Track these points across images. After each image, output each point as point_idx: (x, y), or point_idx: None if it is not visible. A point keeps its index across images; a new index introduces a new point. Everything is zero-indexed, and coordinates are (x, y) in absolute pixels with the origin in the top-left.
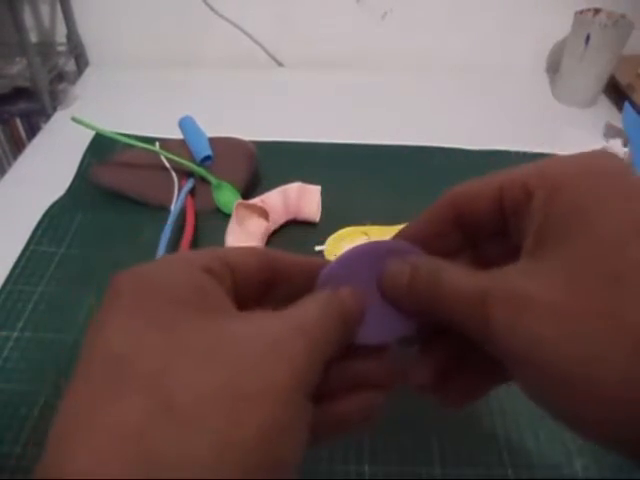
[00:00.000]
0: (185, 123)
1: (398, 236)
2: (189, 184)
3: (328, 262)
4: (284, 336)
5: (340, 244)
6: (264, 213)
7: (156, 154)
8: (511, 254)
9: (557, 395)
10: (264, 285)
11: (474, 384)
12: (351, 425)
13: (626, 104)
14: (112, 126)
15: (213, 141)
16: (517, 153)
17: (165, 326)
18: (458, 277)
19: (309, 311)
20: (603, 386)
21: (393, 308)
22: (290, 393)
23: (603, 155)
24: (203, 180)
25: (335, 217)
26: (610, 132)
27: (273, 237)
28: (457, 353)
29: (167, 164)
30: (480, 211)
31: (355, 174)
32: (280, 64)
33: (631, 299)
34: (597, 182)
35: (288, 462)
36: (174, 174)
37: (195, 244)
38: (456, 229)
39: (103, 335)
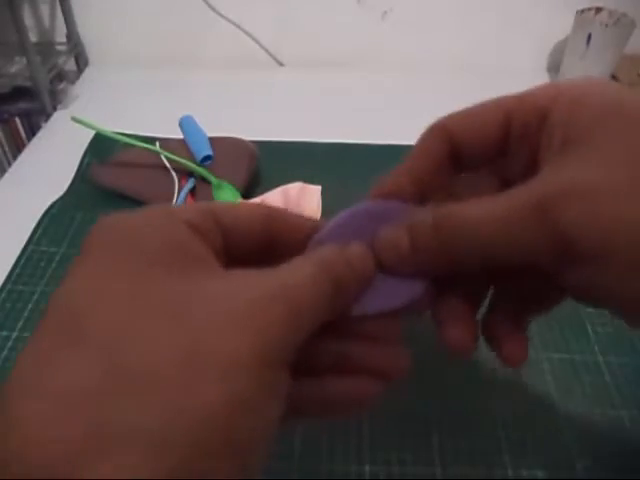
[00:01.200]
0: (185, 123)
1: (390, 183)
2: (189, 184)
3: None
4: (261, 299)
5: None
6: None
7: (156, 154)
8: (507, 182)
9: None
10: (262, 246)
11: (515, 323)
12: (339, 410)
13: None
14: (112, 126)
15: (213, 141)
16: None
17: (131, 282)
18: (484, 206)
19: (297, 272)
20: None
21: (390, 277)
22: (257, 364)
23: (601, 79)
24: (203, 180)
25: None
26: None
27: None
28: (478, 297)
29: (167, 164)
30: (482, 140)
31: (355, 174)
32: (280, 64)
33: None
34: (606, 89)
35: (248, 438)
36: (174, 174)
37: None
38: (451, 162)
39: (64, 287)
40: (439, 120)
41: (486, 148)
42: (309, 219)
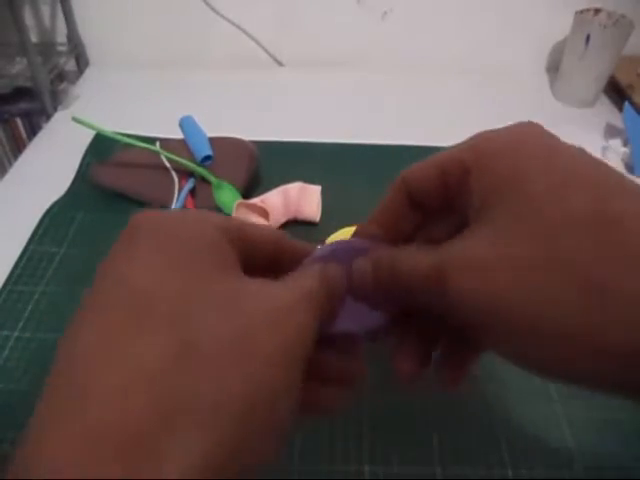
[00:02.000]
0: (185, 123)
1: (363, 228)
2: (189, 184)
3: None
4: (294, 302)
5: None
6: (264, 213)
7: (156, 154)
8: (461, 229)
9: (523, 345)
10: (269, 262)
11: (458, 359)
12: (305, 412)
13: (626, 104)
14: (112, 126)
15: (213, 141)
16: None
17: (186, 270)
18: (413, 257)
19: (309, 282)
20: (564, 325)
21: (361, 304)
22: (297, 358)
23: (526, 124)
24: (203, 180)
25: (335, 217)
26: (610, 132)
27: None
28: (433, 334)
29: (167, 164)
30: (428, 191)
31: (355, 174)
32: (281, 64)
33: (572, 242)
34: (522, 149)
35: (281, 425)
36: (174, 174)
37: None
38: (412, 210)
39: (121, 268)
40: (402, 172)
41: (433, 199)
42: (306, 245)
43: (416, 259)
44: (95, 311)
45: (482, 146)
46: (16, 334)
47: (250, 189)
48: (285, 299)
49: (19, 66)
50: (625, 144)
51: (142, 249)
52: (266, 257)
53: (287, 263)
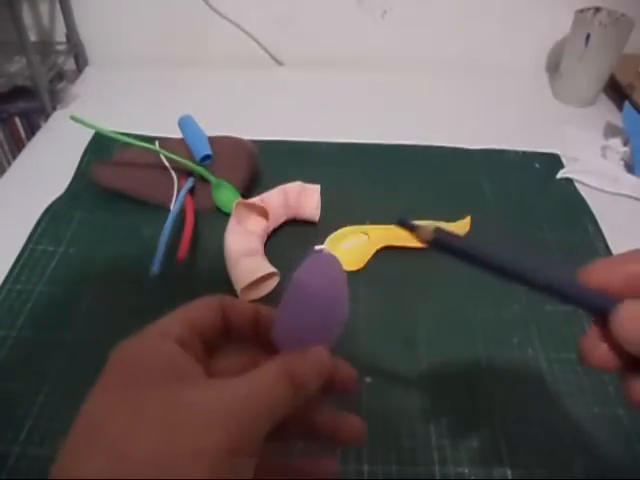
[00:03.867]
0: (185, 122)
1: None
2: (189, 183)
3: (269, 310)
4: (231, 405)
5: (339, 243)
6: (264, 212)
7: (156, 153)
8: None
9: None
10: (224, 331)
11: None
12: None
13: (626, 103)
14: (111, 125)
15: (213, 140)
16: (517, 152)
17: (133, 399)
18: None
19: (262, 379)
20: None
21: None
22: (221, 456)
23: None
24: (203, 179)
25: (335, 216)
26: (610, 131)
27: (273, 236)
28: None
29: (167, 163)
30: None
31: (355, 173)
32: (280, 63)
33: None
34: None
35: None
36: (174, 173)
37: (195, 243)
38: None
39: (88, 406)
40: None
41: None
42: (254, 307)
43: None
44: (68, 438)
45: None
46: (15, 333)
47: (249, 188)
48: (223, 403)
49: (18, 65)
50: (625, 143)
51: (104, 387)
52: (218, 330)
53: (240, 330)
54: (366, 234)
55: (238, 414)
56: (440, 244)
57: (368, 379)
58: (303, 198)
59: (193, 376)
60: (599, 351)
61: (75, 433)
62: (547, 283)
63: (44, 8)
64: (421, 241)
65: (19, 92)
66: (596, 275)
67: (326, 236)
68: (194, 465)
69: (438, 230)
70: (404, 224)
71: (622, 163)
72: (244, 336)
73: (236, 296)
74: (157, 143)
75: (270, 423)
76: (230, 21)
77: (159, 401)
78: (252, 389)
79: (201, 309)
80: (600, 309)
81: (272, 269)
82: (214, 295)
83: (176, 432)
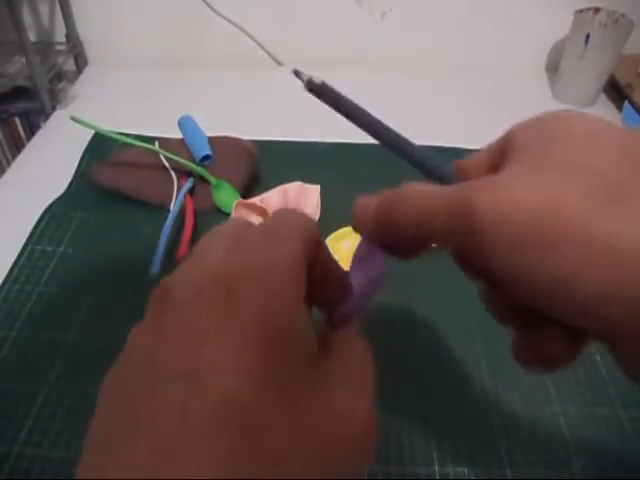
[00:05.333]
0: (184, 122)
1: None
2: (188, 183)
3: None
4: (370, 424)
5: (339, 243)
6: (263, 212)
7: (155, 153)
8: None
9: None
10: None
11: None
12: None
13: (626, 103)
14: (111, 125)
15: (212, 140)
16: None
17: (289, 396)
18: (431, 188)
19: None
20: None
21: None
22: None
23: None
24: (202, 179)
25: (334, 216)
26: None
27: None
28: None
29: (166, 163)
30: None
31: (354, 174)
32: (280, 63)
33: (599, 156)
34: (545, 119)
35: None
36: (173, 173)
37: (194, 244)
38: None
39: (234, 388)
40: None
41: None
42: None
43: (435, 188)
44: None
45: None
46: (14, 333)
47: (249, 189)
48: (367, 421)
49: (17, 65)
50: None
51: (253, 359)
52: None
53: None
54: None
55: (373, 422)
56: (316, 90)
57: None
58: (303, 198)
59: (318, 359)
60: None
61: (221, 425)
62: (394, 143)
63: (44, 8)
64: (305, 86)
65: (19, 92)
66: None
67: (326, 236)
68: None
69: (322, 82)
70: (296, 74)
71: None
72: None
73: None
74: (157, 143)
75: None
76: (230, 21)
77: (313, 408)
78: (369, 391)
79: (312, 241)
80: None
81: None
82: (313, 224)
83: (338, 453)
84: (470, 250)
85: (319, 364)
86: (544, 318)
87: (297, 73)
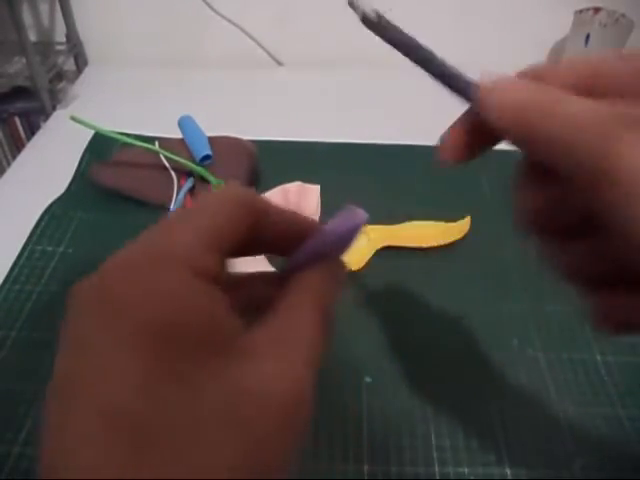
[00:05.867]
0: (184, 122)
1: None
2: (188, 183)
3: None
4: (294, 396)
5: None
6: None
7: (155, 153)
8: None
9: None
10: (247, 245)
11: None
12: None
13: None
14: (111, 125)
15: (213, 140)
16: (517, 152)
17: (182, 379)
18: (579, 101)
19: (304, 337)
20: None
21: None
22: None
23: None
24: (203, 179)
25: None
26: None
27: None
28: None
29: (166, 163)
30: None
31: (355, 174)
32: (280, 63)
33: None
34: None
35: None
36: (173, 173)
37: None
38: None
39: (101, 388)
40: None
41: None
42: (297, 218)
43: (585, 103)
44: (94, 445)
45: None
46: (14, 333)
47: (249, 188)
48: (281, 396)
49: (17, 65)
50: None
51: (128, 351)
52: (244, 240)
53: (294, 242)
54: (366, 234)
55: (302, 398)
56: (371, 24)
57: (368, 379)
58: (303, 198)
59: (235, 338)
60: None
61: (97, 436)
62: (440, 70)
63: (44, 8)
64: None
65: (19, 92)
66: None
67: None
68: (282, 473)
69: (377, 13)
70: (351, 4)
71: None
72: (270, 250)
73: None
74: (157, 143)
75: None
76: (230, 21)
77: (216, 386)
78: (305, 360)
79: (230, 215)
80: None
81: (271, 269)
82: (242, 190)
83: (253, 438)
84: (593, 189)
85: (234, 341)
86: (635, 281)
87: (351, 3)
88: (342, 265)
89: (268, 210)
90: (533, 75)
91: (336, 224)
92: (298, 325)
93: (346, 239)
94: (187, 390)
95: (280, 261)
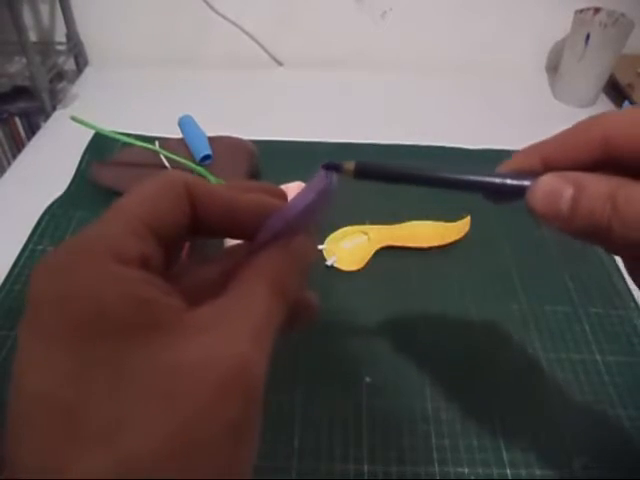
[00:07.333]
0: (185, 122)
1: (518, 158)
2: None
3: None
4: (233, 370)
5: (339, 243)
6: None
7: (156, 153)
8: None
9: None
10: (189, 228)
11: None
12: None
13: (626, 103)
14: (111, 125)
15: (213, 140)
16: (514, 150)
17: (109, 362)
18: None
19: (255, 308)
20: None
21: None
22: (245, 433)
23: None
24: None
25: (334, 216)
26: None
27: None
28: None
29: (167, 163)
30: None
31: None
32: (280, 63)
33: None
34: None
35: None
36: None
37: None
38: (596, 163)
39: (35, 379)
40: (606, 116)
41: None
42: (265, 202)
43: None
44: (28, 430)
45: None
46: (15, 333)
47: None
48: (220, 366)
49: (18, 65)
50: None
51: (49, 340)
52: (220, 219)
53: (246, 224)
54: (366, 234)
55: (243, 373)
56: (364, 172)
57: (368, 379)
58: None
59: (171, 317)
60: None
61: (34, 422)
62: (468, 180)
63: (44, 8)
64: (348, 175)
65: (19, 92)
66: (513, 162)
67: (326, 236)
68: (217, 452)
69: (359, 162)
70: (329, 166)
71: None
72: (212, 232)
73: None
74: (157, 143)
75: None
76: (230, 21)
77: (146, 367)
78: (250, 334)
79: (162, 200)
80: (520, 190)
81: None
82: (176, 175)
83: (185, 410)
84: None
85: (174, 319)
86: None
87: (332, 165)
88: (305, 240)
89: (212, 194)
90: (541, 158)
91: (298, 198)
92: (245, 299)
93: (309, 211)
94: (115, 373)
95: None
